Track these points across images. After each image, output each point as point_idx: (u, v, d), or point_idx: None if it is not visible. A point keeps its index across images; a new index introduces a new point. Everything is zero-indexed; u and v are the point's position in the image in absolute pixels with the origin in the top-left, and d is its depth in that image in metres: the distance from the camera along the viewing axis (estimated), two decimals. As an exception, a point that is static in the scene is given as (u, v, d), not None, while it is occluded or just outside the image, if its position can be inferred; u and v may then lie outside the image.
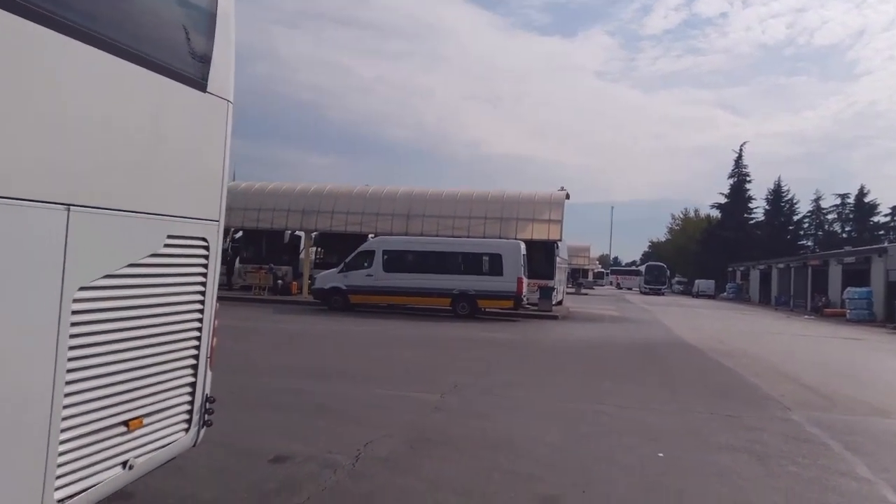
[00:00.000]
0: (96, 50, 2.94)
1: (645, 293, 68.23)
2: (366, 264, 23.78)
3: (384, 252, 23.92)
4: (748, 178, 78.29)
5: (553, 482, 5.44)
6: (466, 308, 23.19)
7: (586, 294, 55.43)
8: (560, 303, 31.56)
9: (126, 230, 3.22)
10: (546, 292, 26.91)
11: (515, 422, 7.73)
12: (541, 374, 11.68)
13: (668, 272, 75.08)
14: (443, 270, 23.28)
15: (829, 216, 79.41)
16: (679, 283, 78.76)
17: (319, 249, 35.92)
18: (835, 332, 26.26)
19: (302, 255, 33.64)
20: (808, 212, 79.40)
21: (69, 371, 2.89)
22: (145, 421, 3.44)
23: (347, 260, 24.30)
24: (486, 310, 23.73)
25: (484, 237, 27.18)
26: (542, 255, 27.97)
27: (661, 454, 6.53)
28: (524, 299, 23.91)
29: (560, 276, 32.18)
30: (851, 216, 77.31)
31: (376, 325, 19.59)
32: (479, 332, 18.47)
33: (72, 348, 2.90)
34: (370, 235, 28.91)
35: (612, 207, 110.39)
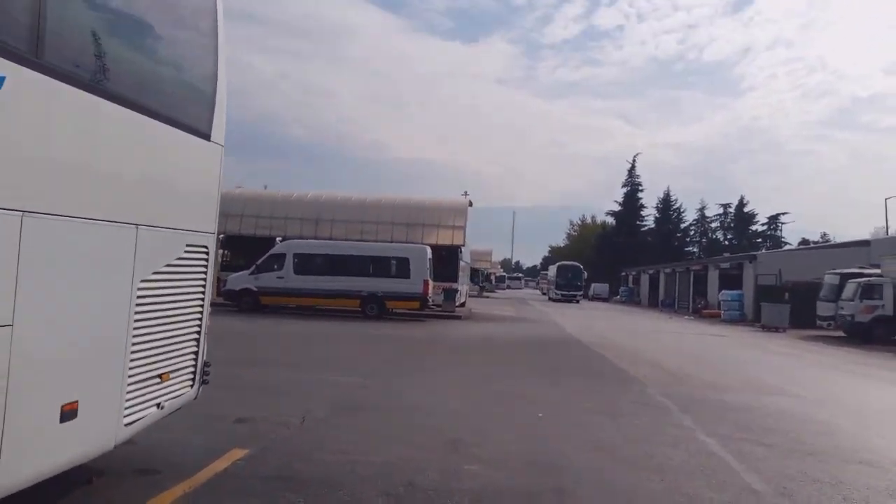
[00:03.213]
0: (148, 119, 4.36)
1: (556, 300, 55.30)
2: (276, 266, 24.66)
3: (295, 255, 24.88)
4: (640, 188, 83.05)
5: (456, 431, 7.14)
6: (375, 309, 24.59)
7: (488, 297, 57.83)
8: (463, 304, 33.52)
9: (164, 241, 4.63)
10: (450, 294, 28.84)
11: (425, 395, 9.41)
12: (445, 363, 13.44)
13: (585, 274, 60.65)
14: (352, 273, 24.61)
15: (713, 224, 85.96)
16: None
17: (226, 252, 36.33)
18: (705, 330, 29.47)
19: (210, 258, 33.94)
20: (694, 220, 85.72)
21: (134, 336, 4.29)
22: (171, 376, 4.84)
23: (259, 262, 25.11)
24: (394, 310, 25.27)
25: (391, 241, 28.72)
26: (446, 259, 29.90)
27: (540, 415, 8.36)
28: (430, 300, 25.60)
29: (463, 279, 34.17)
30: (732, 225, 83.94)
31: (292, 324, 20.75)
32: (389, 330, 20.02)
33: (136, 321, 4.29)
34: (278, 239, 29.80)
35: (514, 212, 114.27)
